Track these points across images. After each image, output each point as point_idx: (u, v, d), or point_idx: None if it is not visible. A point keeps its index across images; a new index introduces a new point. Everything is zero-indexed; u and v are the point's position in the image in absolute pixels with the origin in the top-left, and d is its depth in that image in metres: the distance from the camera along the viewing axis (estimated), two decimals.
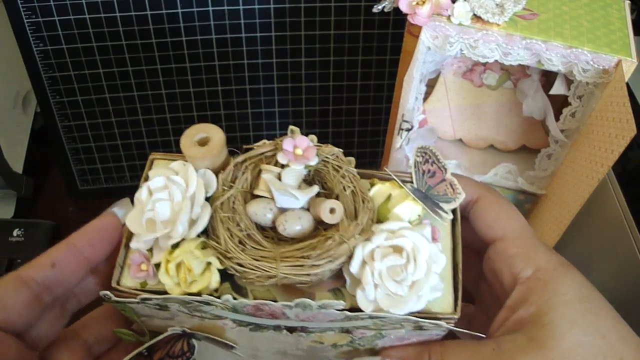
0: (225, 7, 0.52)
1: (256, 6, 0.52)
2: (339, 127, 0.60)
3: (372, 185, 0.31)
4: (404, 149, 0.46)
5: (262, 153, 0.30)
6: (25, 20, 0.50)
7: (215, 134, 0.29)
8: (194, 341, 0.31)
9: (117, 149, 0.60)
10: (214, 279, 0.27)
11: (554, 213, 0.43)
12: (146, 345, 0.30)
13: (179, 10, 0.52)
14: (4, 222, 0.56)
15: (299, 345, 0.31)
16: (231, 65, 0.56)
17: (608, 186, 0.45)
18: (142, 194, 0.28)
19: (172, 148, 0.60)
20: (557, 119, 0.41)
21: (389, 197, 0.30)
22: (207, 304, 0.26)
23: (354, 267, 0.27)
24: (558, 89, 0.41)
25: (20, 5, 0.50)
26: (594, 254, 0.49)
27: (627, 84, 0.35)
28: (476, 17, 0.36)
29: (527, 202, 0.47)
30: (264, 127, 0.60)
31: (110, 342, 0.31)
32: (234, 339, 0.31)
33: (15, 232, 0.54)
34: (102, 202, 0.62)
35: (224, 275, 0.28)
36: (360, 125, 0.61)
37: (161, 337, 0.30)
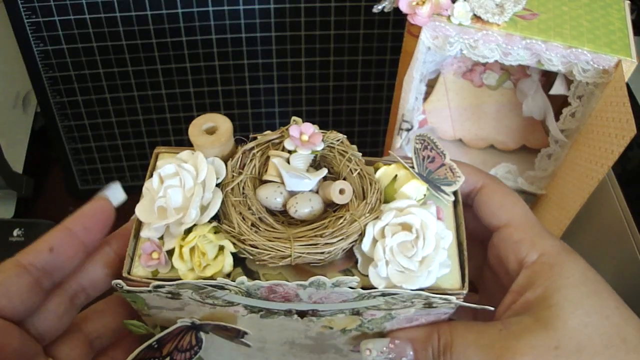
0: (226, 7, 0.52)
1: (256, 6, 0.52)
2: (339, 127, 0.60)
3: (377, 168, 0.31)
4: (404, 149, 0.46)
5: (270, 140, 0.31)
6: (26, 20, 0.50)
7: (222, 122, 0.30)
8: (202, 334, 0.31)
9: (117, 149, 0.60)
10: (228, 262, 0.28)
11: (554, 213, 0.43)
12: (157, 337, 0.30)
13: (179, 11, 0.52)
14: (4, 222, 0.56)
15: (308, 333, 0.31)
16: (231, 65, 0.56)
17: (608, 186, 0.45)
18: (153, 182, 0.29)
19: None
20: (557, 119, 0.41)
21: (395, 178, 0.30)
22: (222, 288, 0.26)
23: (366, 244, 0.28)
24: (558, 89, 0.41)
25: (21, 5, 0.50)
26: (594, 254, 0.49)
27: (627, 84, 0.35)
28: (476, 17, 0.36)
29: (526, 202, 0.47)
30: (264, 127, 0.60)
31: (113, 336, 0.31)
32: (245, 328, 0.31)
33: (15, 232, 0.54)
34: None
35: (236, 260, 0.28)
36: (360, 125, 0.61)
37: (171, 329, 0.30)
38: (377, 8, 0.38)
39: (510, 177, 0.46)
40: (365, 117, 0.60)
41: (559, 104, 0.43)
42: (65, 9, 0.50)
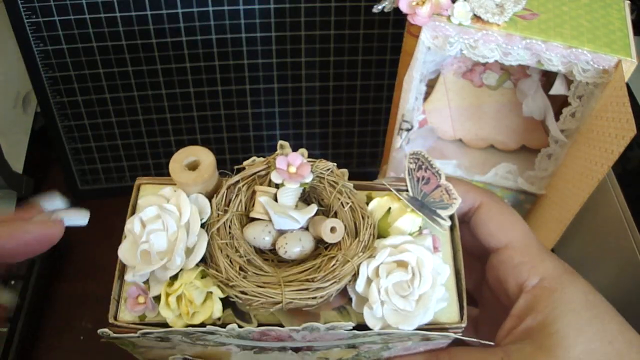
0: (225, 7, 0.52)
1: (256, 6, 0.52)
2: (339, 127, 0.60)
3: (370, 198, 0.30)
4: (404, 149, 0.46)
5: (255, 173, 0.29)
6: (26, 20, 0.50)
7: (205, 157, 0.28)
8: None
9: (117, 149, 0.60)
10: (217, 308, 0.27)
11: (554, 213, 0.43)
12: None
13: (179, 10, 0.52)
14: None
15: None
16: (231, 65, 0.56)
17: (608, 186, 0.45)
18: (134, 225, 0.27)
19: (171, 148, 0.60)
20: (557, 119, 0.41)
21: (388, 211, 0.29)
22: (212, 333, 0.26)
23: (360, 285, 0.27)
24: (558, 89, 0.41)
25: (21, 5, 0.50)
26: (594, 254, 0.49)
27: (627, 84, 0.35)
28: (476, 17, 0.36)
29: (527, 202, 0.47)
30: (264, 127, 0.60)
31: None
32: None
33: None
34: (102, 202, 0.62)
35: (226, 301, 0.27)
36: (360, 125, 0.61)
37: None
38: (377, 8, 0.38)
39: (510, 177, 0.46)
40: (365, 117, 0.60)
41: (559, 104, 0.43)
42: (65, 9, 0.50)
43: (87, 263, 0.57)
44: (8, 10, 0.50)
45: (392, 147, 0.46)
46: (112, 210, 0.60)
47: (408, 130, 0.44)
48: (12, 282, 0.51)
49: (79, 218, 0.28)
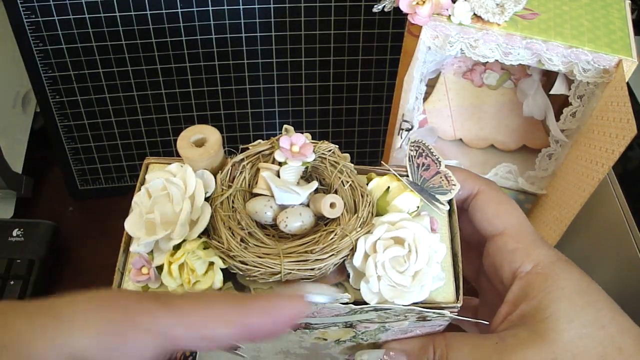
0: (225, 7, 0.52)
1: (256, 6, 0.52)
2: (339, 127, 0.60)
3: (370, 179, 0.31)
4: (404, 149, 0.46)
5: (260, 152, 0.30)
6: (25, 20, 0.50)
7: (211, 134, 0.29)
8: None
9: (117, 149, 0.60)
10: (218, 279, 0.27)
11: (554, 213, 0.43)
12: None
13: (179, 10, 0.52)
14: (4, 222, 0.55)
15: (302, 343, 0.31)
16: (231, 65, 0.56)
17: (608, 186, 0.45)
18: (140, 196, 0.28)
19: (171, 148, 0.60)
20: (557, 118, 0.41)
21: (387, 190, 0.30)
22: None
23: (357, 259, 0.28)
24: (558, 88, 0.41)
25: (20, 5, 0.49)
26: (594, 254, 0.49)
27: (628, 84, 0.35)
28: (476, 17, 0.36)
29: (527, 202, 0.47)
30: (264, 127, 0.60)
31: None
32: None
33: (14, 232, 0.54)
34: (102, 202, 0.62)
35: (226, 274, 0.28)
36: (360, 125, 0.61)
37: None
38: (377, 8, 0.38)
39: (511, 177, 0.46)
40: (365, 117, 0.60)
41: (560, 103, 0.43)
42: (65, 9, 0.50)
43: (86, 263, 0.56)
44: (7, 10, 0.50)
45: (392, 147, 0.46)
46: (111, 210, 0.60)
47: (408, 130, 0.44)
48: (12, 282, 0.51)
49: (321, 292, 0.26)
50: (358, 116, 0.60)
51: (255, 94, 0.58)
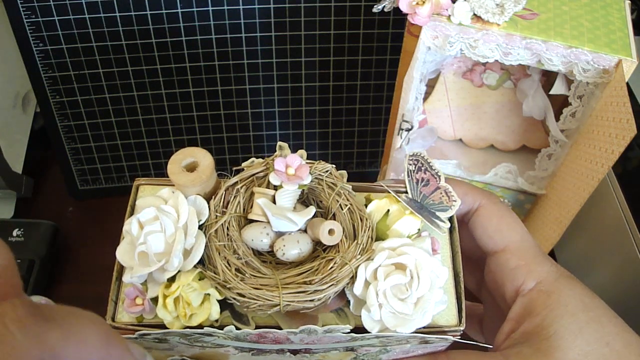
0: (225, 7, 0.52)
1: (256, 6, 0.52)
2: (339, 127, 0.60)
3: (369, 200, 0.30)
4: (404, 149, 0.46)
5: (254, 174, 0.29)
6: (25, 20, 0.50)
7: (203, 158, 0.28)
8: None
9: (117, 149, 0.60)
10: (214, 310, 0.27)
11: (554, 213, 0.43)
12: None
13: (179, 10, 0.52)
14: (4, 222, 0.56)
15: None
16: (231, 65, 0.56)
17: (608, 186, 0.45)
18: (132, 227, 0.27)
19: (171, 148, 0.60)
20: (557, 119, 0.41)
21: (387, 213, 0.29)
22: (209, 335, 0.26)
23: (358, 288, 0.27)
24: (558, 88, 0.41)
25: (20, 5, 0.49)
26: (594, 254, 0.49)
27: (627, 84, 0.35)
28: (476, 17, 0.36)
29: (527, 202, 0.47)
30: (264, 127, 0.60)
31: None
32: None
33: (15, 232, 0.54)
34: (102, 202, 0.62)
35: (224, 303, 0.27)
36: (360, 125, 0.61)
37: None
38: (377, 8, 0.38)
39: (511, 177, 0.46)
40: (365, 117, 0.60)
41: (559, 103, 0.43)
42: (65, 9, 0.50)
43: (86, 263, 0.56)
44: (7, 10, 0.50)
45: (392, 147, 0.46)
46: (111, 211, 0.60)
47: (408, 130, 0.44)
48: None
49: None
50: (358, 116, 0.60)
51: (255, 94, 0.58)
